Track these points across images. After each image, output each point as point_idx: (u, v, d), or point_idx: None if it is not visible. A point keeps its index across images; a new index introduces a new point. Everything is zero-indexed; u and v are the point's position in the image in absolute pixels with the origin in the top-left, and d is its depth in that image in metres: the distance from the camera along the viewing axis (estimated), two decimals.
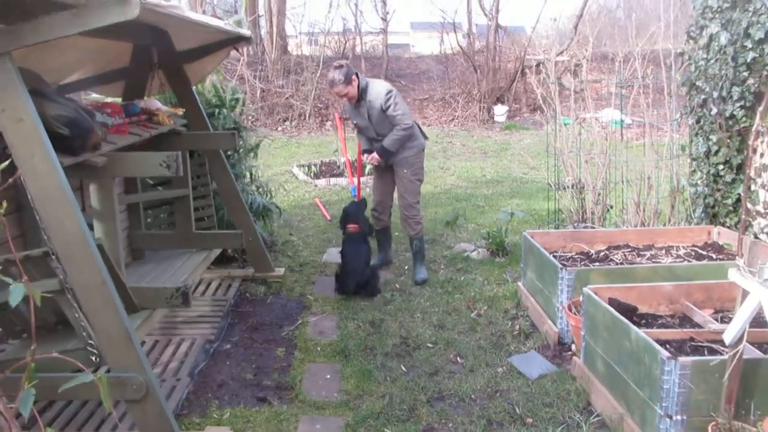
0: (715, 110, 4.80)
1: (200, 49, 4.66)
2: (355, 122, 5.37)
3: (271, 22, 17.92)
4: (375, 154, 5.24)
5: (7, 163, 1.41)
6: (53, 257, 2.63)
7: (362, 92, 5.11)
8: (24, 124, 2.50)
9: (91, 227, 3.29)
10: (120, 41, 4.17)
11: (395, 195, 5.54)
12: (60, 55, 3.94)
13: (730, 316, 3.36)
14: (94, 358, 2.76)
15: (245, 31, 4.60)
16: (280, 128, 16.09)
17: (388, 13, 19.71)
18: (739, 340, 2.52)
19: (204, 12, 9.55)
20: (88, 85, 4.78)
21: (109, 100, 4.84)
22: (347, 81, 5.02)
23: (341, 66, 5.07)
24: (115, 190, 3.48)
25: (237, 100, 5.74)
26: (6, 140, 2.49)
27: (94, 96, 5.11)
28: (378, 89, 5.13)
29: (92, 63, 4.58)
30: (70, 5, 2.41)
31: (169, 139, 4.37)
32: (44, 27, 2.43)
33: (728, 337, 2.54)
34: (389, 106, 5.06)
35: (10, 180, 1.55)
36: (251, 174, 5.96)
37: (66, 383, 1.57)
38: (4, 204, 1.41)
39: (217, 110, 5.45)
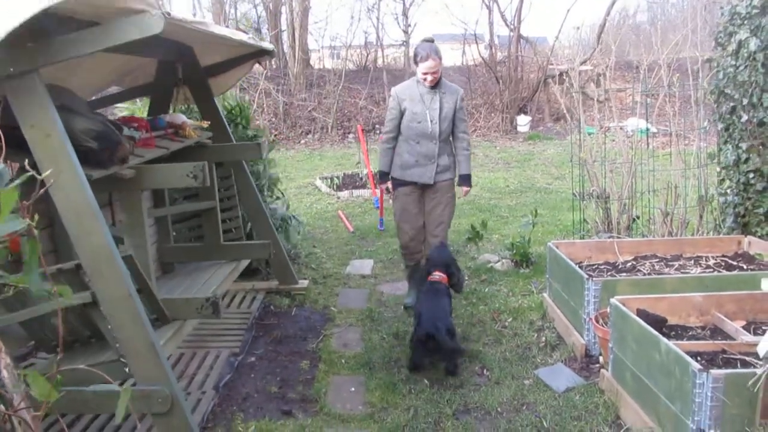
0: (744, 117, 4.72)
1: (224, 63, 4.71)
2: (413, 110, 4.59)
3: (293, 36, 18.10)
4: (467, 188, 4.86)
5: (28, 174, 1.41)
6: (85, 270, 2.66)
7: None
8: (51, 139, 2.54)
9: (121, 241, 3.33)
10: (145, 57, 4.23)
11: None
12: (87, 72, 4.01)
13: (764, 327, 3.29)
14: (127, 370, 2.78)
15: (268, 45, 4.64)
16: (302, 141, 16.20)
17: (409, 25, 19.77)
18: None
19: (227, 27, 9.67)
20: (114, 101, 4.86)
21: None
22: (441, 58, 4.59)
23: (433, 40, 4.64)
24: (144, 204, 3.52)
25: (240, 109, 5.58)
26: (34, 155, 2.53)
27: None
28: (453, 85, 4.79)
29: (118, 79, 4.66)
30: (96, 22, 2.45)
31: (195, 152, 4.40)
32: (71, 44, 2.47)
33: (762, 350, 2.48)
34: (462, 108, 4.71)
35: (40, 192, 1.55)
36: (270, 184, 5.85)
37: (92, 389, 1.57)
38: (36, 217, 1.42)
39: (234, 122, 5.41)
